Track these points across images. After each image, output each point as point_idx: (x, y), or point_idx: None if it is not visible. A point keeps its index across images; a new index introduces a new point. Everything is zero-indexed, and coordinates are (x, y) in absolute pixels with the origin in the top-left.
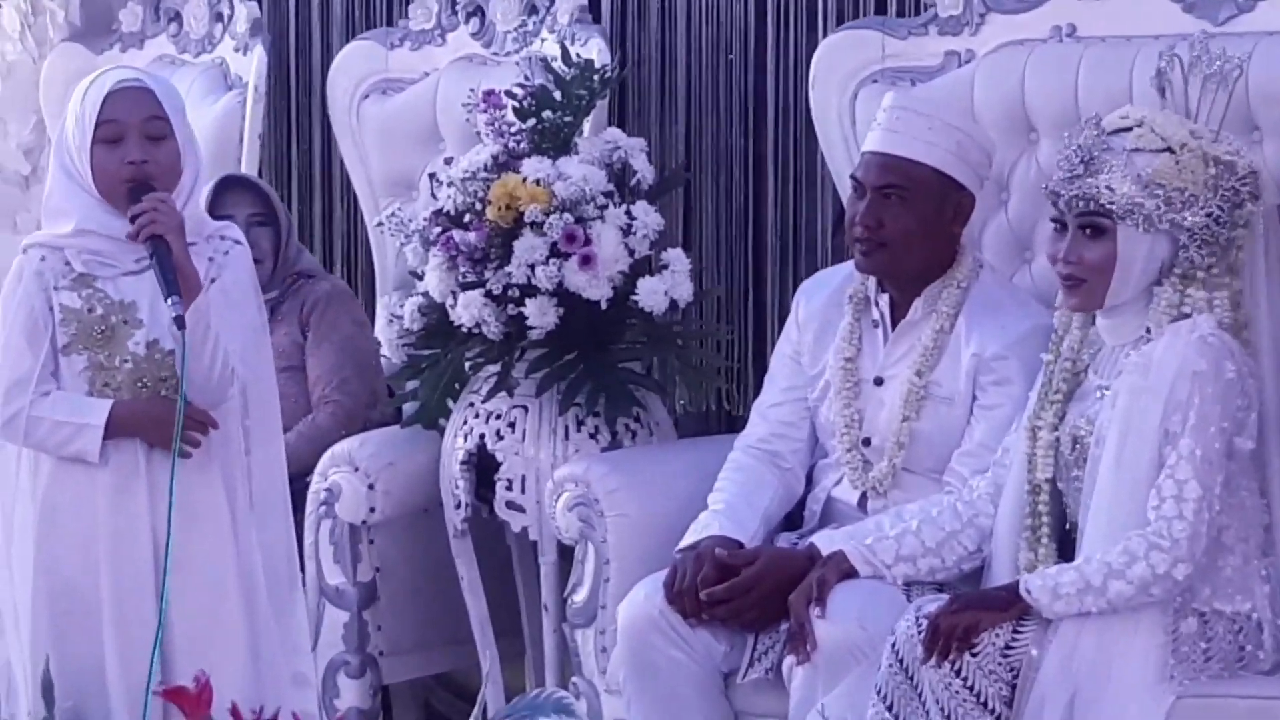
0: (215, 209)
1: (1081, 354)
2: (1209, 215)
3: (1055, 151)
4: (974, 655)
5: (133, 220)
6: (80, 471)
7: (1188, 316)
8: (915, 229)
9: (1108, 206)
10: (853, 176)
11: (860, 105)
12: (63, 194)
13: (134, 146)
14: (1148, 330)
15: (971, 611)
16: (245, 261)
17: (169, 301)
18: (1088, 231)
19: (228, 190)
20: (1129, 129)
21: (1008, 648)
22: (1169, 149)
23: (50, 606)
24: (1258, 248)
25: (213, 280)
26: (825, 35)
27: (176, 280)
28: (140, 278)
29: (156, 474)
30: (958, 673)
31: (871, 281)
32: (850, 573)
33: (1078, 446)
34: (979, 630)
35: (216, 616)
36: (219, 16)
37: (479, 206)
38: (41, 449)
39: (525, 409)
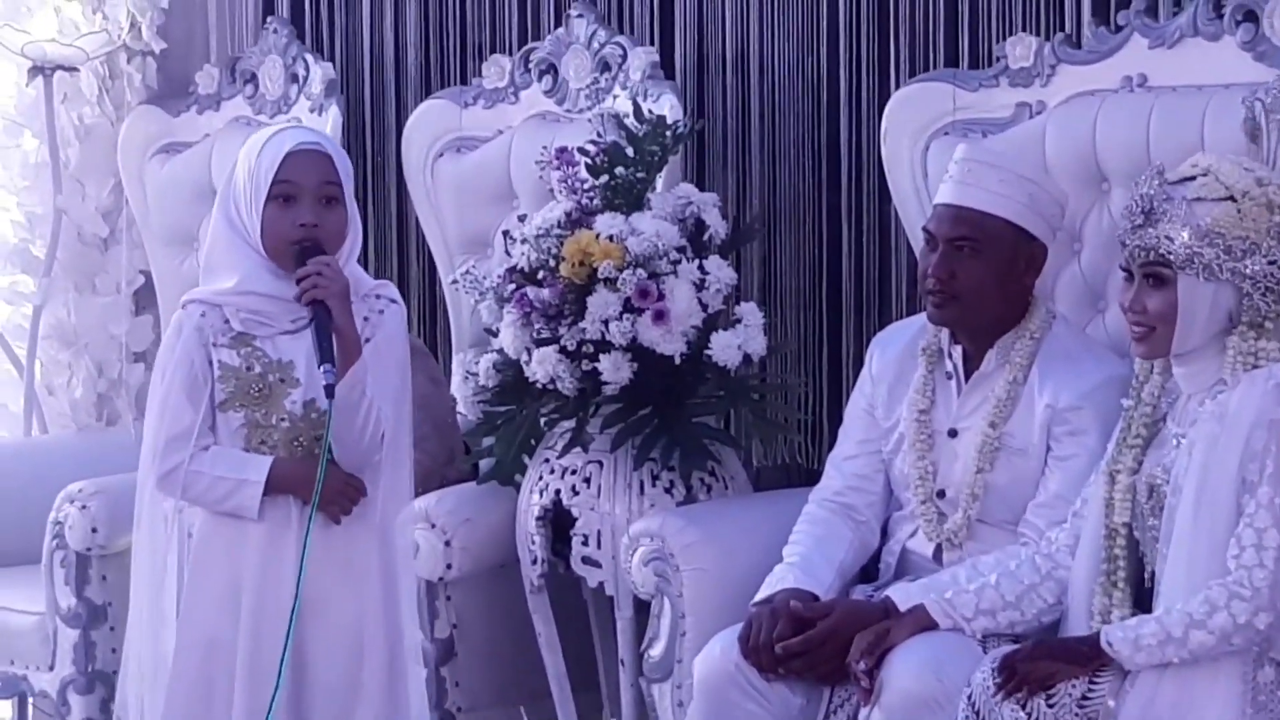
0: None
1: (1160, 402)
2: (1271, 263)
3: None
4: (1050, 706)
5: (298, 281)
6: (232, 527)
7: (1261, 366)
8: (988, 281)
9: (1167, 256)
10: (925, 229)
11: (932, 157)
12: (226, 249)
13: (307, 209)
14: (1224, 380)
15: (1050, 661)
16: (398, 321)
17: (321, 369)
18: (1151, 281)
19: None
20: (1193, 178)
21: (1084, 698)
22: (1231, 197)
23: (199, 663)
24: None
25: (367, 340)
26: (897, 87)
27: (332, 348)
28: (297, 337)
29: (303, 525)
30: None
31: (945, 333)
32: (929, 626)
33: (1154, 495)
34: (1055, 681)
35: (359, 674)
36: (294, 77)
37: (552, 263)
38: (199, 503)
39: (600, 464)
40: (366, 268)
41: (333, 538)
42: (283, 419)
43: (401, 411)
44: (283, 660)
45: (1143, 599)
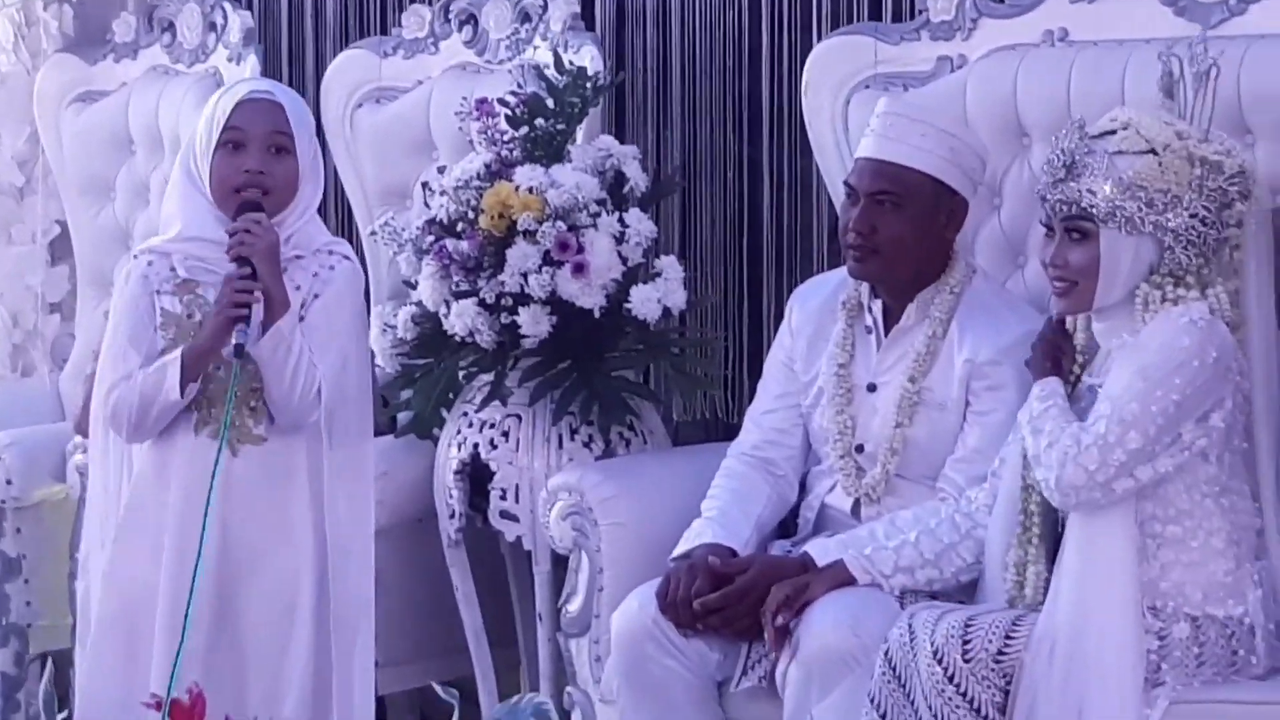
0: None
1: (1079, 359)
2: (1193, 216)
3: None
4: (967, 661)
5: (230, 236)
6: (161, 469)
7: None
8: (908, 235)
9: (1089, 210)
10: (846, 183)
11: (853, 111)
12: (177, 198)
13: (254, 157)
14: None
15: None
16: (349, 279)
17: (236, 327)
18: (1073, 235)
19: None
20: (1113, 132)
21: (1000, 653)
22: (1152, 150)
23: (121, 613)
24: (1250, 246)
25: (315, 296)
26: (819, 40)
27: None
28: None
29: (229, 476)
30: (951, 678)
31: (865, 287)
32: (848, 581)
33: None
34: None
35: (289, 635)
36: (212, 26)
37: (472, 215)
38: (142, 419)
39: (519, 418)
40: None
41: (262, 500)
42: (218, 367)
43: (352, 368)
44: (187, 610)
45: (1057, 554)
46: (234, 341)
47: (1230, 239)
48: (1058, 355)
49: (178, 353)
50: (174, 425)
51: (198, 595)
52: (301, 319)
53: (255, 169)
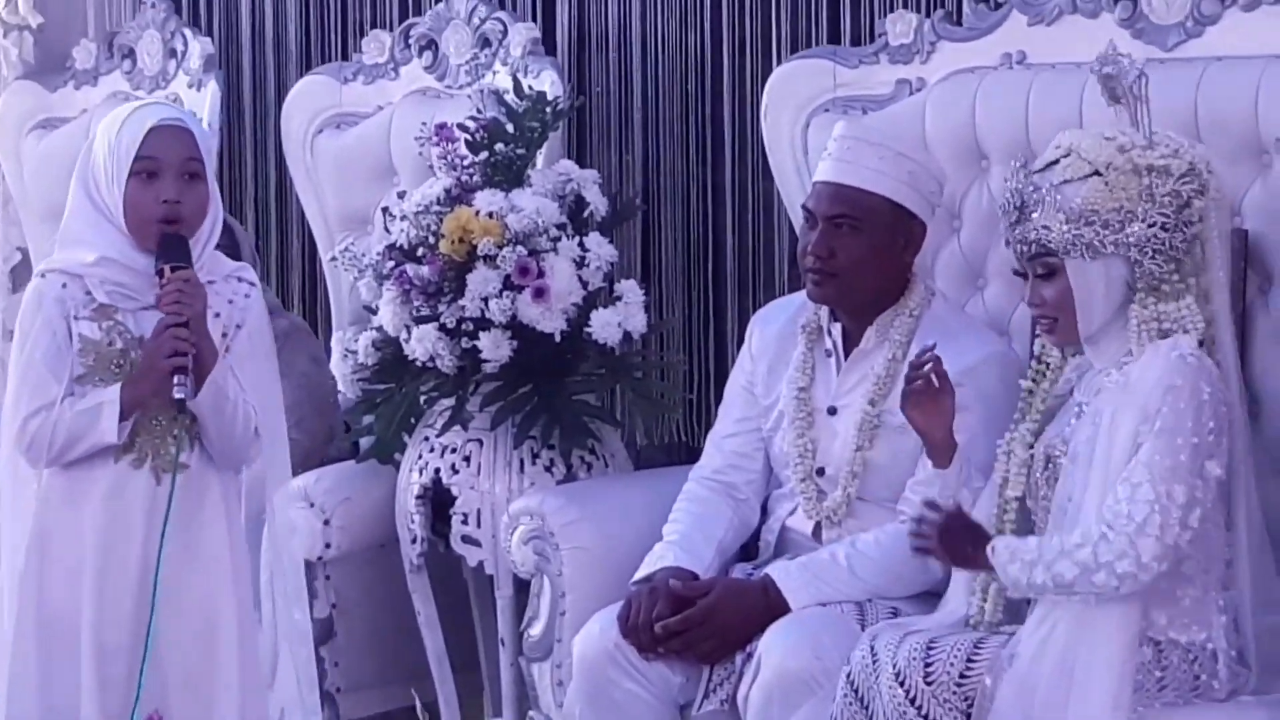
0: None
1: (1069, 374)
2: (1151, 225)
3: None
4: (929, 684)
5: (159, 301)
6: (77, 496)
7: (1168, 335)
8: (867, 258)
9: (1049, 245)
10: (804, 206)
11: (812, 134)
12: (84, 222)
13: (170, 185)
14: (1131, 350)
15: (943, 545)
16: (262, 306)
17: (174, 380)
18: (1041, 272)
19: None
20: (1057, 161)
21: (962, 676)
22: (1096, 172)
23: (36, 636)
24: (1213, 239)
25: (238, 326)
26: (779, 64)
27: (188, 360)
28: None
29: (154, 502)
30: (912, 701)
31: (824, 311)
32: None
33: (1050, 465)
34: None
35: (212, 655)
36: (173, 53)
37: (432, 240)
38: (65, 452)
39: (480, 442)
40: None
41: (179, 524)
42: None
43: (271, 396)
44: (146, 644)
45: None
46: (175, 396)
47: (1196, 234)
48: (975, 536)
49: (115, 395)
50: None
51: (120, 622)
52: (226, 349)
53: (173, 198)
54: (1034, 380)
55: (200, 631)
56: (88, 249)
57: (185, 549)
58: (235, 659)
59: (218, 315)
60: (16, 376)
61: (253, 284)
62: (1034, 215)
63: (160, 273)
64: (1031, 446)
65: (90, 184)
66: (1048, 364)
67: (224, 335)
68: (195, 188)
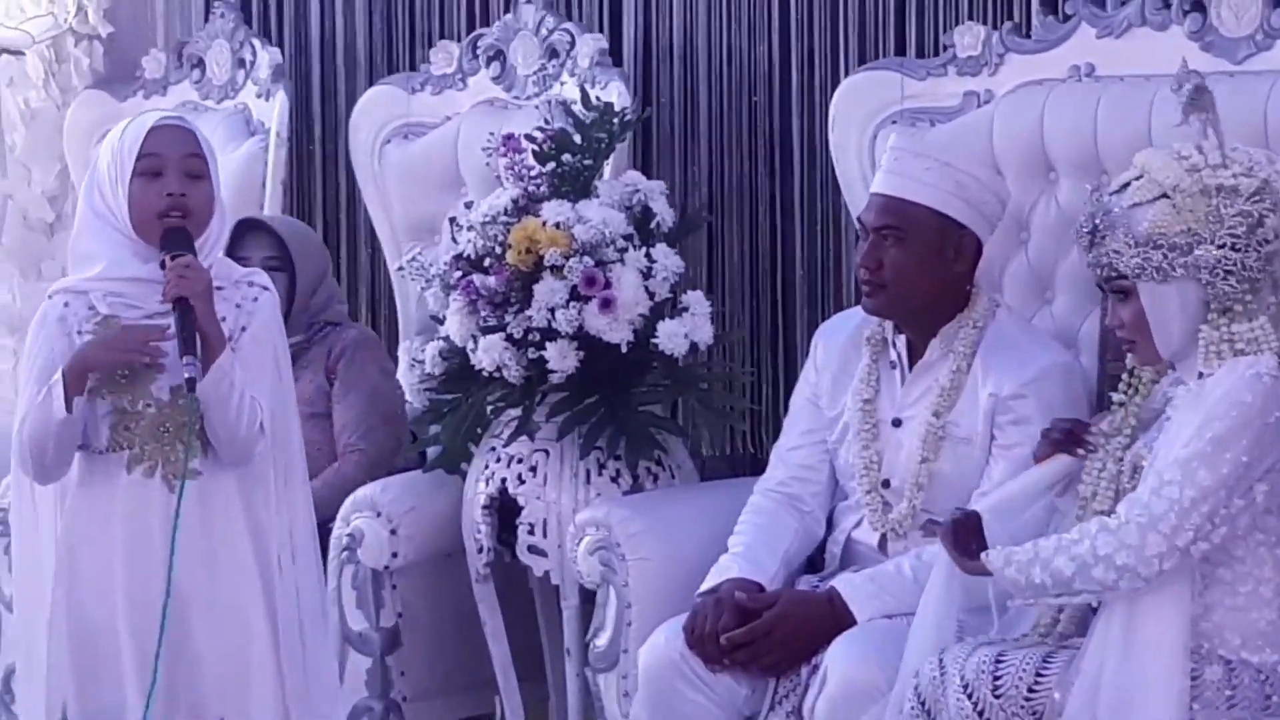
0: (232, 251)
1: (1164, 388)
2: (1221, 247)
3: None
4: (997, 697)
5: (161, 266)
6: (98, 511)
7: (1241, 355)
8: (913, 269)
9: (1120, 269)
10: (858, 219)
11: (879, 146)
12: (91, 236)
13: (173, 180)
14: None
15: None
16: (272, 309)
17: (184, 360)
18: (1118, 295)
19: (245, 233)
20: (1129, 184)
21: (1031, 690)
22: (1164, 195)
23: (70, 652)
24: None
25: (244, 329)
26: (847, 75)
27: (195, 342)
28: (166, 319)
29: (170, 509)
30: (981, 714)
31: (888, 323)
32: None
33: (1136, 474)
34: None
35: (247, 661)
36: (241, 63)
37: (499, 250)
38: (43, 451)
39: (546, 453)
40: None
41: (199, 532)
42: (149, 405)
43: (281, 398)
44: (158, 653)
45: None
46: (185, 375)
47: (1274, 252)
48: (975, 541)
49: (58, 374)
50: (106, 466)
51: (157, 632)
52: (232, 350)
53: (177, 191)
54: (1125, 394)
55: (233, 637)
56: (93, 263)
57: (207, 555)
58: (271, 664)
59: (224, 319)
60: (21, 396)
61: (265, 287)
62: (1106, 239)
63: (163, 264)
64: (1121, 460)
65: (95, 194)
66: (1140, 378)
67: (230, 339)
68: (199, 186)
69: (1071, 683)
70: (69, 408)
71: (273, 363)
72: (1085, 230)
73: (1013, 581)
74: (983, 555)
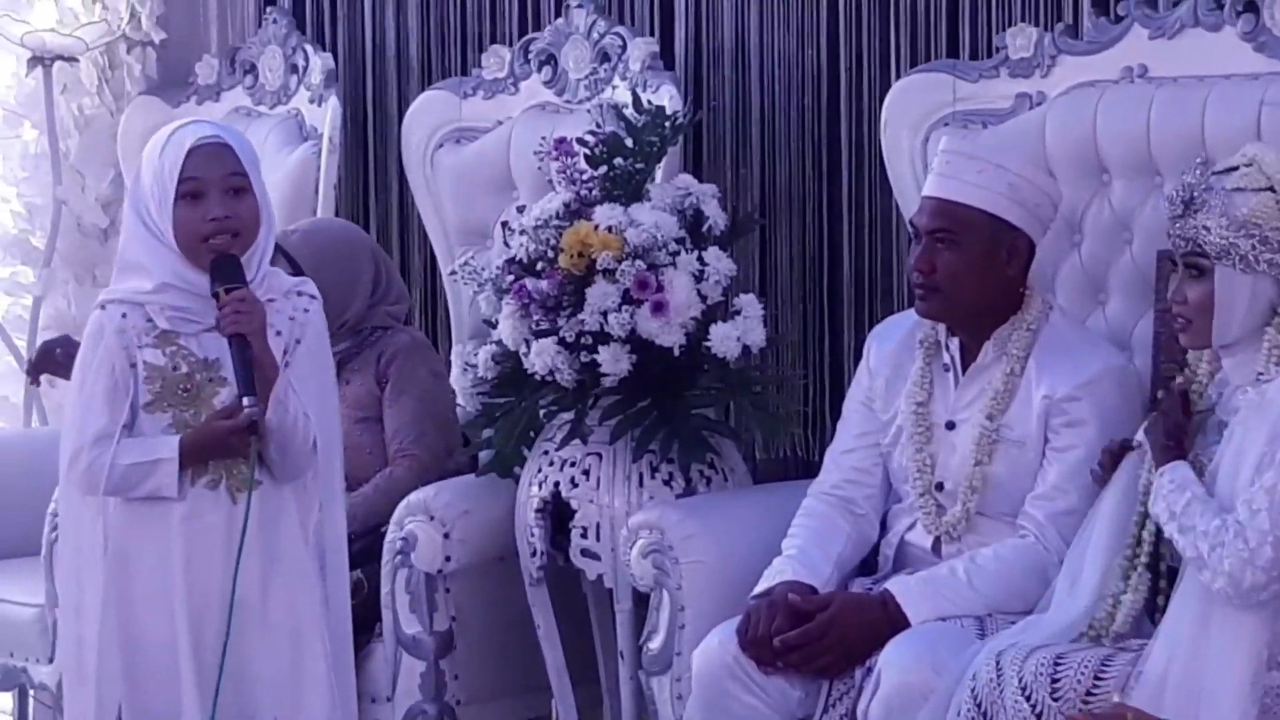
0: None
1: (1210, 390)
2: None
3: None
4: (1055, 699)
5: (219, 319)
6: (155, 520)
7: None
8: (965, 272)
9: (1204, 246)
10: (910, 222)
11: (931, 148)
12: (141, 249)
13: (216, 203)
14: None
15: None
16: (322, 319)
17: (244, 401)
18: (1191, 271)
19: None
20: (1236, 168)
21: (1089, 693)
22: (1270, 188)
23: (122, 659)
24: None
25: (298, 341)
26: (898, 78)
27: (253, 378)
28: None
29: (233, 521)
30: (1039, 716)
31: (941, 326)
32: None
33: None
34: None
35: (300, 668)
36: (294, 68)
37: (551, 254)
38: (119, 491)
39: (599, 456)
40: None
41: (258, 541)
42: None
43: (329, 411)
44: (221, 663)
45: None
46: (247, 415)
47: None
48: (1180, 435)
49: (173, 450)
50: None
51: (216, 643)
52: (286, 364)
53: (221, 215)
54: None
55: (288, 644)
56: (146, 276)
57: (269, 564)
58: (324, 671)
59: (279, 334)
60: (79, 407)
61: (313, 296)
62: (1198, 213)
63: (216, 296)
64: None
65: (142, 209)
66: (1195, 371)
67: (284, 352)
68: (243, 201)
69: (1133, 687)
70: (181, 492)
71: (324, 374)
72: (1180, 199)
73: (1153, 506)
74: (1170, 465)
